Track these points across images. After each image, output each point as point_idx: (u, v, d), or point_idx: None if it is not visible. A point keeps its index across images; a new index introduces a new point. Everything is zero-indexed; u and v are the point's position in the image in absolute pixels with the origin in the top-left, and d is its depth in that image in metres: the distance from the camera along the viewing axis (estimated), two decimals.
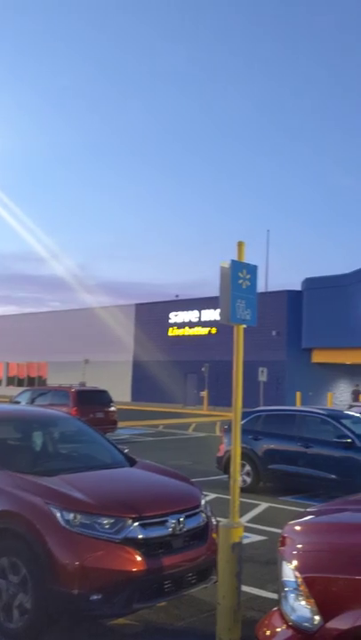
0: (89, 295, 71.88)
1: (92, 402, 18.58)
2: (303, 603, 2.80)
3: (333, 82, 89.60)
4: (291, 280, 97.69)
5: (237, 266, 4.75)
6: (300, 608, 2.81)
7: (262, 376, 30.38)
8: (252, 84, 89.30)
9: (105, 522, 4.46)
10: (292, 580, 2.88)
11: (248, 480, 10.98)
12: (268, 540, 7.38)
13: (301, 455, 10.53)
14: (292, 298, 35.84)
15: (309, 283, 35.48)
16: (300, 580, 2.83)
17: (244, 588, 5.09)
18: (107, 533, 4.43)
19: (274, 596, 4.89)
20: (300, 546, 3.00)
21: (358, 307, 32.23)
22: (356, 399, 31.36)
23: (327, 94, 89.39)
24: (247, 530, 7.44)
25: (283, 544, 3.13)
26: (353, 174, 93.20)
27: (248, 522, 8.39)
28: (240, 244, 4.85)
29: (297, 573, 2.86)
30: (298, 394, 30.89)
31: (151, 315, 42.57)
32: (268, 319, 33.65)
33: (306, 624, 2.76)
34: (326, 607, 2.70)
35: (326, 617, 2.68)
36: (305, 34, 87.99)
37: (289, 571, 2.92)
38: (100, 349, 43.98)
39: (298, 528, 3.18)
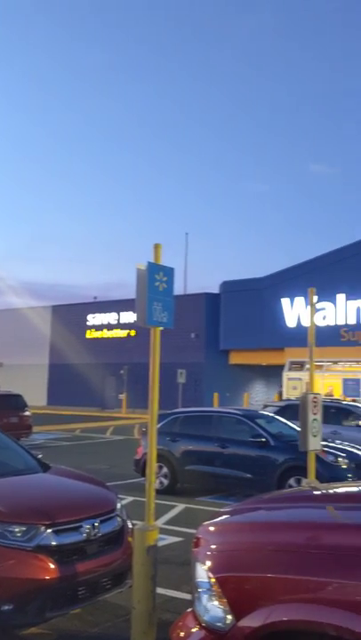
0: (4, 297, 69.75)
1: (5, 406, 18.04)
2: (216, 603, 2.81)
3: (246, 90, 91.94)
4: (211, 283, 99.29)
5: (154, 268, 4.74)
6: (213, 608, 2.82)
7: (181, 378, 30.61)
8: (171, 80, 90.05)
9: (16, 530, 4.33)
10: (205, 580, 2.90)
11: (165, 482, 11.01)
12: (184, 541, 7.42)
13: (218, 455, 10.68)
14: (211, 301, 36.39)
15: (227, 286, 36.17)
16: (213, 580, 2.85)
17: (160, 591, 5.09)
18: (18, 542, 4.29)
19: (189, 597, 4.92)
20: (213, 546, 3.02)
21: (273, 309, 33.19)
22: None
23: (250, 100, 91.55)
24: (164, 532, 7.45)
25: (196, 545, 3.14)
26: (268, 181, 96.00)
27: (165, 524, 8.41)
28: (157, 247, 4.84)
29: (210, 574, 2.87)
30: (215, 395, 31.40)
31: (69, 317, 41.89)
32: (187, 322, 33.98)
33: (218, 624, 2.78)
34: (239, 606, 2.72)
35: (239, 616, 2.71)
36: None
37: (202, 571, 2.93)
38: (16, 352, 42.76)
39: (211, 529, 3.20)
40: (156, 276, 4.73)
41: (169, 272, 4.88)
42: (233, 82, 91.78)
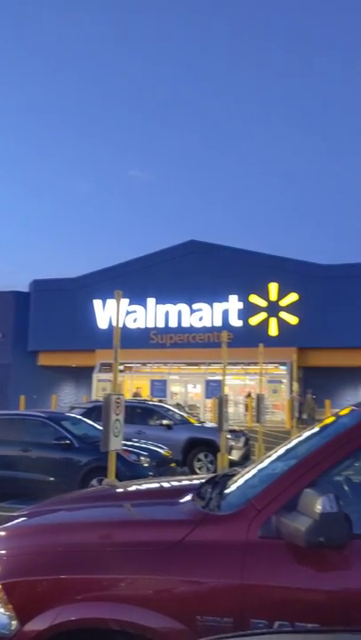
0: None
1: None
2: (2, 610, 2.73)
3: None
4: (23, 282, 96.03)
5: None
6: None
7: None
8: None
9: None
10: None
11: None
12: None
13: (20, 459, 10.37)
14: (20, 299, 35.21)
15: (37, 285, 35.33)
16: None
17: None
18: None
19: None
20: (2, 552, 2.92)
21: (85, 311, 33.19)
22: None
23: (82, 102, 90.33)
24: None
25: None
26: (91, 181, 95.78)
27: None
28: None
29: None
30: (22, 397, 30.44)
31: None
32: None
33: (3, 631, 2.70)
34: (26, 611, 2.67)
35: (24, 621, 2.65)
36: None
37: None
38: None
39: (2, 533, 3.10)
40: None
41: None
42: (63, 82, 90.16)
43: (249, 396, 28.39)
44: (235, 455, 13.58)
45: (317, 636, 1.92)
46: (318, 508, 2.29)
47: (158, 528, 2.79)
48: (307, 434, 3.31)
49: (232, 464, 12.08)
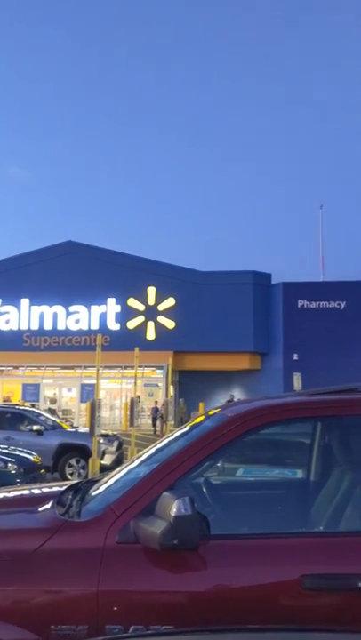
0: None
1: None
2: None
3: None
4: None
5: None
6: None
7: None
8: None
9: None
10: None
11: None
12: None
13: None
14: None
15: None
16: None
17: None
18: None
19: None
20: None
21: None
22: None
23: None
24: None
25: None
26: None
27: None
28: None
29: None
30: None
31: None
32: None
33: None
34: None
35: None
36: None
37: None
38: None
39: None
40: None
41: None
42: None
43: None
44: (107, 460, 13.51)
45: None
46: (173, 510, 2.32)
47: (13, 537, 2.69)
48: (170, 438, 3.35)
49: (104, 469, 12.01)
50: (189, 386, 31.66)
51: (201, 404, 25.68)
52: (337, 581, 2.42)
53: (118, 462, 14.40)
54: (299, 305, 30.38)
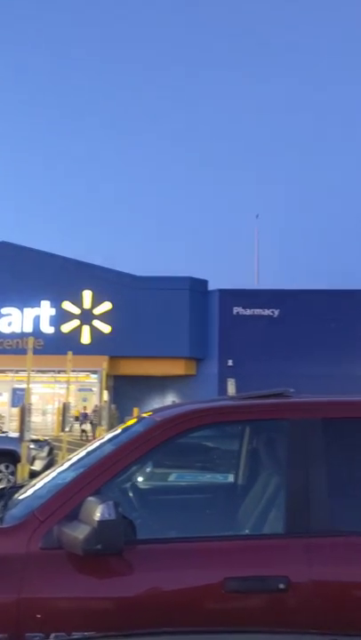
0: None
1: None
2: None
3: None
4: None
5: None
6: None
7: None
8: None
9: None
10: None
11: None
12: None
13: None
14: None
15: None
16: None
17: None
18: None
19: None
20: None
21: None
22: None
23: None
24: None
25: None
26: None
27: None
28: None
29: None
30: None
31: None
32: None
33: None
34: None
35: None
36: None
37: None
38: None
39: None
40: None
41: None
42: None
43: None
44: (37, 465, 13.22)
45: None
46: (97, 515, 2.30)
47: None
48: (102, 440, 3.32)
49: (34, 475, 11.74)
50: (124, 391, 31.47)
51: (135, 410, 25.58)
52: (259, 583, 2.46)
53: (49, 468, 14.11)
54: (234, 312, 30.81)
